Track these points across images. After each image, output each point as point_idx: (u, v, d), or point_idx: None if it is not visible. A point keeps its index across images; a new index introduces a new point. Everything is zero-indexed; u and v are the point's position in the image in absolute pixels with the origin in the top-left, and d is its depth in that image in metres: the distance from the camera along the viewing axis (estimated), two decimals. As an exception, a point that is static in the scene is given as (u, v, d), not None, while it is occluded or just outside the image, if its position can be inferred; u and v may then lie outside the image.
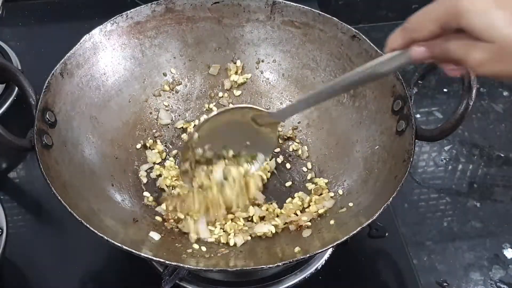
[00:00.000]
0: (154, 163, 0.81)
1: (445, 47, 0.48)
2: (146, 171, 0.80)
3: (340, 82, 0.60)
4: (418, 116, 1.02)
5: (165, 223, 0.74)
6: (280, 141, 0.85)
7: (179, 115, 0.87)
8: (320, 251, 0.65)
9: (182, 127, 0.86)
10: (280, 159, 0.83)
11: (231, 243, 0.71)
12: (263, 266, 0.66)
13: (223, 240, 0.72)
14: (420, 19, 0.49)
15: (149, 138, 0.84)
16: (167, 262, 0.63)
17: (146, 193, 0.78)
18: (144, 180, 0.80)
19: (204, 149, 0.72)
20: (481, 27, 0.45)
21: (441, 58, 0.50)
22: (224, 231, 0.73)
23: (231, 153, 0.73)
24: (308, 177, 0.82)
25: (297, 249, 0.68)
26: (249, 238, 0.72)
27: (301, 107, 0.68)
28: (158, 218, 0.75)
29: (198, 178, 0.72)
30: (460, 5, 0.45)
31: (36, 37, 1.10)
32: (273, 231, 0.73)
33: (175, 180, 0.79)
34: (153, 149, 0.83)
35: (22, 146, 0.67)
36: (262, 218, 0.76)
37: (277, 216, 0.75)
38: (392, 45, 0.52)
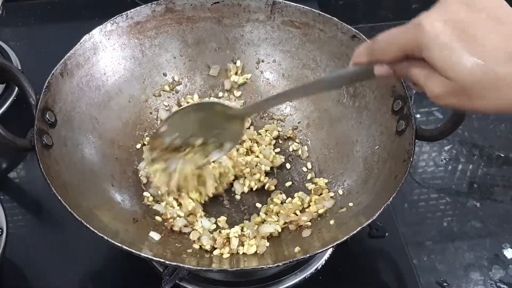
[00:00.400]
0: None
1: (406, 71, 0.49)
2: (144, 170, 0.80)
3: (307, 86, 0.65)
4: (418, 116, 1.02)
5: (165, 223, 0.74)
6: (280, 141, 0.85)
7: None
8: (320, 251, 0.65)
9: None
10: (280, 159, 0.83)
11: (240, 252, 0.71)
12: (263, 266, 0.66)
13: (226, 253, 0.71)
14: (385, 43, 0.50)
15: (148, 138, 0.84)
16: (167, 262, 0.63)
17: (146, 193, 0.78)
18: (144, 180, 0.80)
19: (173, 138, 0.73)
20: (441, 64, 0.45)
21: (401, 77, 0.52)
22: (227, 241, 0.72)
23: (199, 141, 0.73)
24: (308, 177, 0.82)
25: (297, 249, 0.68)
26: (255, 248, 0.71)
27: (266, 106, 0.72)
28: (158, 218, 0.75)
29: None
30: (424, 37, 0.45)
31: (36, 37, 1.10)
32: (279, 230, 0.73)
33: None
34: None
35: (22, 146, 0.67)
36: (263, 222, 0.76)
37: (277, 214, 0.76)
38: (357, 59, 0.53)
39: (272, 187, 0.80)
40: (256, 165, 0.81)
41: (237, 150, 0.82)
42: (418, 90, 0.51)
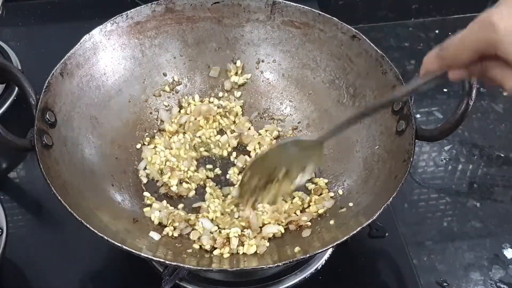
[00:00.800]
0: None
1: (483, 71, 0.49)
2: (144, 170, 0.80)
3: (383, 100, 0.65)
4: (418, 116, 1.02)
5: (166, 228, 0.74)
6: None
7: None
8: (320, 251, 0.65)
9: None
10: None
11: (240, 252, 0.71)
12: (263, 266, 0.66)
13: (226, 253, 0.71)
14: (456, 48, 0.49)
15: (148, 138, 0.84)
16: (167, 262, 0.64)
17: (146, 193, 0.78)
18: (144, 180, 0.80)
19: (257, 180, 0.72)
20: None
21: (478, 77, 0.51)
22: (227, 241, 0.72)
23: (282, 172, 0.72)
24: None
25: (297, 249, 0.68)
26: (255, 248, 0.71)
27: (340, 130, 0.68)
28: (156, 221, 0.75)
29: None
30: (497, 36, 0.45)
31: (36, 37, 1.10)
32: (282, 231, 0.73)
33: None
34: (149, 144, 0.83)
35: (22, 146, 0.67)
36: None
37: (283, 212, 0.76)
38: (428, 68, 0.52)
39: None
40: None
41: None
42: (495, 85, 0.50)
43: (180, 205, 0.77)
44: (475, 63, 0.49)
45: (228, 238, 0.72)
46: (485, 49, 0.46)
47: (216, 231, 0.74)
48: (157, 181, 0.79)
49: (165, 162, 0.81)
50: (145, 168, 0.80)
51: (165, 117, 0.86)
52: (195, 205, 0.77)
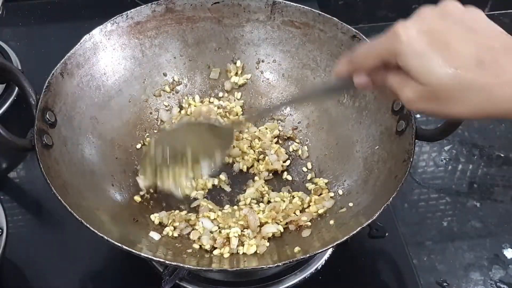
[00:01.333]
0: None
1: (383, 79, 0.52)
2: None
3: (298, 96, 0.73)
4: (418, 116, 1.02)
5: (166, 227, 0.74)
6: (280, 141, 0.85)
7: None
8: (320, 251, 0.65)
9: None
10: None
11: (240, 252, 0.71)
12: (263, 266, 0.66)
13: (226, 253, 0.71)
14: (363, 54, 0.53)
15: (148, 138, 0.84)
16: (167, 262, 0.64)
17: (146, 193, 0.78)
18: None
19: (164, 153, 0.73)
20: (415, 70, 0.47)
21: (379, 86, 0.53)
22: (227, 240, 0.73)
23: (189, 152, 0.74)
24: (308, 177, 0.82)
25: (297, 249, 0.68)
26: (255, 248, 0.71)
27: (252, 119, 0.79)
28: (156, 221, 0.75)
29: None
30: (399, 46, 0.48)
31: (36, 37, 1.10)
32: (282, 230, 0.73)
33: None
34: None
35: (22, 146, 0.67)
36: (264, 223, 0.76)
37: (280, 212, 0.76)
38: (338, 71, 0.56)
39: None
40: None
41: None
42: (396, 99, 0.55)
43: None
44: (378, 71, 0.52)
45: (228, 238, 0.72)
46: (388, 57, 0.49)
47: (216, 231, 0.74)
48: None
49: None
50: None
51: (165, 117, 0.86)
52: (193, 204, 0.77)
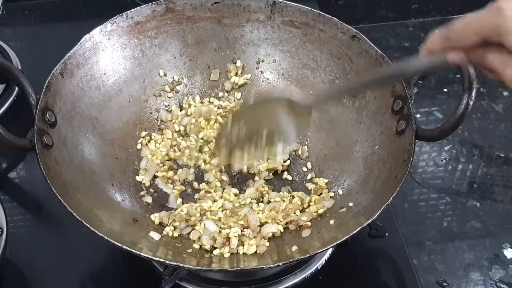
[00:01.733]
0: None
1: (483, 57, 0.49)
2: (144, 169, 0.80)
3: (376, 75, 0.64)
4: (418, 116, 1.03)
5: (166, 227, 0.74)
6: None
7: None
8: (320, 251, 0.65)
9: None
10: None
11: (240, 252, 0.71)
12: (263, 266, 0.66)
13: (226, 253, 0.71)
14: (463, 29, 0.49)
15: (148, 137, 0.84)
16: (167, 262, 0.64)
17: (146, 193, 0.78)
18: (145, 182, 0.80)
19: (240, 128, 0.73)
20: None
21: (476, 65, 0.50)
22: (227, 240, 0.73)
23: (265, 132, 0.73)
24: (308, 177, 0.82)
25: (297, 249, 0.68)
26: (255, 248, 0.71)
27: (334, 98, 0.72)
28: (156, 222, 0.75)
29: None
30: (504, 23, 0.45)
31: (36, 37, 1.10)
32: (282, 230, 0.73)
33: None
34: (149, 143, 0.83)
35: (22, 146, 0.67)
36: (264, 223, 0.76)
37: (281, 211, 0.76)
38: (431, 47, 0.52)
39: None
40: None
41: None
42: (494, 78, 0.50)
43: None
44: (476, 49, 0.48)
45: (228, 238, 0.72)
46: (490, 34, 0.46)
47: (216, 231, 0.74)
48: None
49: (165, 157, 0.81)
50: (145, 168, 0.80)
51: (165, 117, 0.86)
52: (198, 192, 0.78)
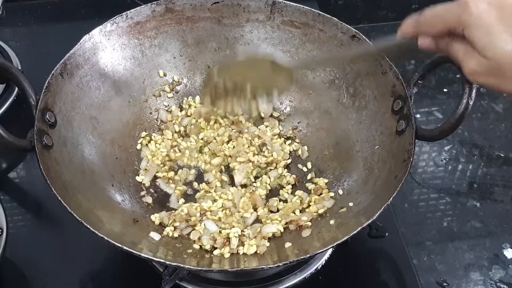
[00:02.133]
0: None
1: (449, 46, 0.52)
2: (145, 169, 0.80)
3: (354, 50, 0.71)
4: (418, 116, 1.02)
5: (166, 228, 0.74)
6: (280, 141, 0.85)
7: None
8: (320, 251, 0.65)
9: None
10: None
11: (240, 253, 0.71)
12: (263, 266, 0.66)
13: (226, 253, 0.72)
14: (431, 17, 0.53)
15: (148, 138, 0.84)
16: (167, 262, 0.64)
17: (146, 193, 0.78)
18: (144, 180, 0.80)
19: (225, 80, 0.77)
20: (481, 43, 0.48)
21: (443, 52, 0.54)
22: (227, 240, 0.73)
23: (248, 86, 0.77)
24: (308, 177, 0.82)
25: (297, 249, 0.68)
26: (255, 248, 0.71)
27: (313, 64, 0.80)
28: (156, 222, 0.75)
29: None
30: (467, 16, 0.48)
31: (36, 37, 1.10)
32: (282, 230, 0.73)
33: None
34: (149, 143, 0.83)
35: (22, 146, 0.67)
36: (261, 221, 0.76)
37: (277, 210, 0.77)
38: (404, 30, 0.56)
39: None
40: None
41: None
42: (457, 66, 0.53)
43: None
44: (443, 37, 0.52)
45: (228, 238, 0.72)
46: (455, 26, 0.50)
47: (216, 231, 0.74)
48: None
49: (166, 158, 0.81)
50: (145, 169, 0.80)
51: (165, 118, 0.86)
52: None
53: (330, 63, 0.79)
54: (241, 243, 0.72)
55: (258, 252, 0.70)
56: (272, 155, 0.82)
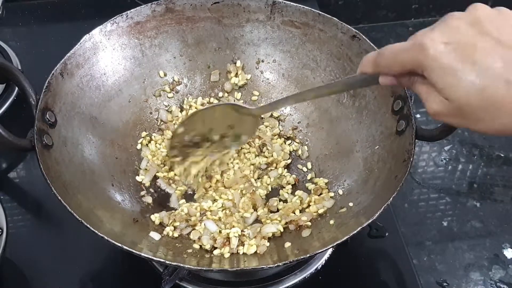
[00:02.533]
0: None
1: (410, 84, 0.51)
2: (145, 169, 0.81)
3: (320, 88, 0.67)
4: (418, 116, 1.02)
5: (166, 227, 0.74)
6: (280, 141, 0.85)
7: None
8: (320, 251, 0.65)
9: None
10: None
11: (240, 252, 0.71)
12: (263, 266, 0.66)
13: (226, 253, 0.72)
14: (389, 59, 0.51)
15: (148, 138, 0.84)
16: (167, 262, 0.64)
17: (146, 193, 0.78)
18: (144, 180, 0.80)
19: (191, 136, 0.76)
20: (442, 86, 0.46)
21: (408, 88, 0.54)
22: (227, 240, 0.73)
23: (216, 136, 0.76)
24: (308, 177, 0.82)
25: (288, 244, 0.68)
26: (255, 248, 0.71)
27: (279, 106, 0.77)
28: (156, 222, 0.75)
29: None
30: (425, 59, 0.46)
31: (36, 37, 1.10)
32: (282, 230, 0.73)
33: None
34: (149, 143, 0.83)
35: (22, 146, 0.67)
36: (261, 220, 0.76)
37: (277, 210, 0.77)
38: (363, 70, 0.55)
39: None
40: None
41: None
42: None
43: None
44: (405, 76, 0.51)
45: (228, 238, 0.72)
46: (414, 68, 0.48)
47: (216, 231, 0.74)
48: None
49: (166, 158, 0.81)
50: (145, 169, 0.80)
51: (165, 118, 0.86)
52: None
53: (293, 102, 0.78)
54: (241, 243, 0.72)
55: (258, 252, 0.70)
56: (272, 155, 0.82)
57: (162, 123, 0.86)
